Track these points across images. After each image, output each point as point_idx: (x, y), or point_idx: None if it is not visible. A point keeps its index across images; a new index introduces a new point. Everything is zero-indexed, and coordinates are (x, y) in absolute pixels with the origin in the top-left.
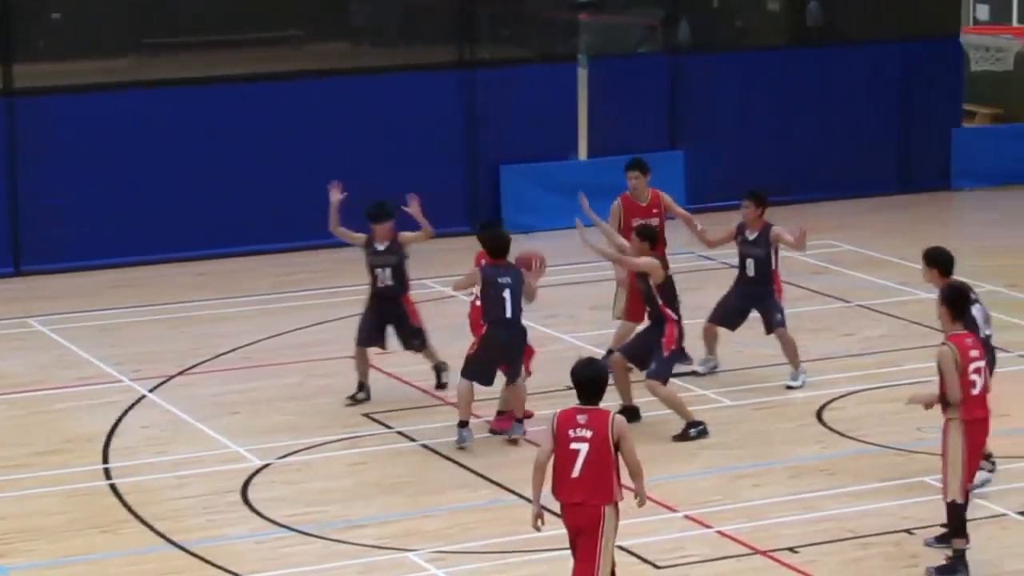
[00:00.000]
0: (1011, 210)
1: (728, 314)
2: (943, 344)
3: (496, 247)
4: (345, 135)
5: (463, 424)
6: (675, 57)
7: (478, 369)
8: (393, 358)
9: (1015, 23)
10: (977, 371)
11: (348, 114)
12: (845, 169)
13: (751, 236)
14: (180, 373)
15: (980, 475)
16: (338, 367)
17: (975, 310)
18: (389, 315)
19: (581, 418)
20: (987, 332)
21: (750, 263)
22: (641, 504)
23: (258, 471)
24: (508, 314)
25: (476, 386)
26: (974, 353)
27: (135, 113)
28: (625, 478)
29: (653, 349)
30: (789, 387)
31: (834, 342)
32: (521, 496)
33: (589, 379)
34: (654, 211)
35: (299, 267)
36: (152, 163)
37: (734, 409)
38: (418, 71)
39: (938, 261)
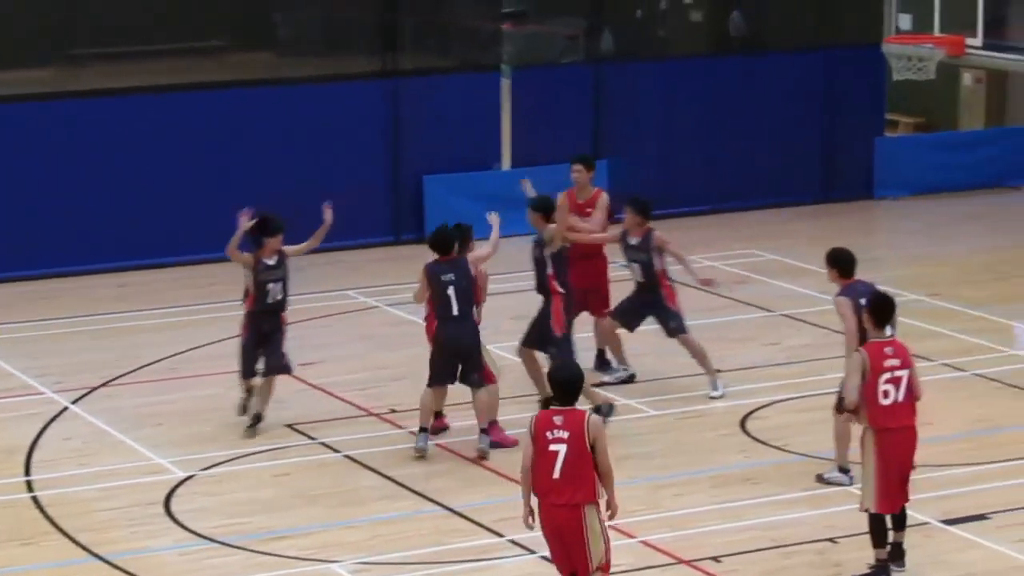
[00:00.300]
0: (933, 219)
1: (624, 310)
2: (857, 349)
3: (437, 244)
4: (268, 145)
5: (422, 430)
6: (598, 67)
7: (437, 372)
8: (317, 369)
9: (937, 32)
10: (892, 381)
11: (271, 124)
12: (768, 178)
13: (633, 241)
14: (103, 385)
15: (835, 475)
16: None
17: None
18: (267, 334)
19: (558, 419)
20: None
21: (636, 268)
22: (612, 515)
23: (181, 483)
24: (455, 311)
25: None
26: (891, 363)
27: (57, 123)
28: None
29: (545, 330)
30: (711, 397)
31: (757, 351)
32: (443, 507)
33: (565, 380)
34: (587, 210)
35: (221, 278)
36: (74, 174)
37: (657, 419)
38: (341, 81)
39: (838, 261)
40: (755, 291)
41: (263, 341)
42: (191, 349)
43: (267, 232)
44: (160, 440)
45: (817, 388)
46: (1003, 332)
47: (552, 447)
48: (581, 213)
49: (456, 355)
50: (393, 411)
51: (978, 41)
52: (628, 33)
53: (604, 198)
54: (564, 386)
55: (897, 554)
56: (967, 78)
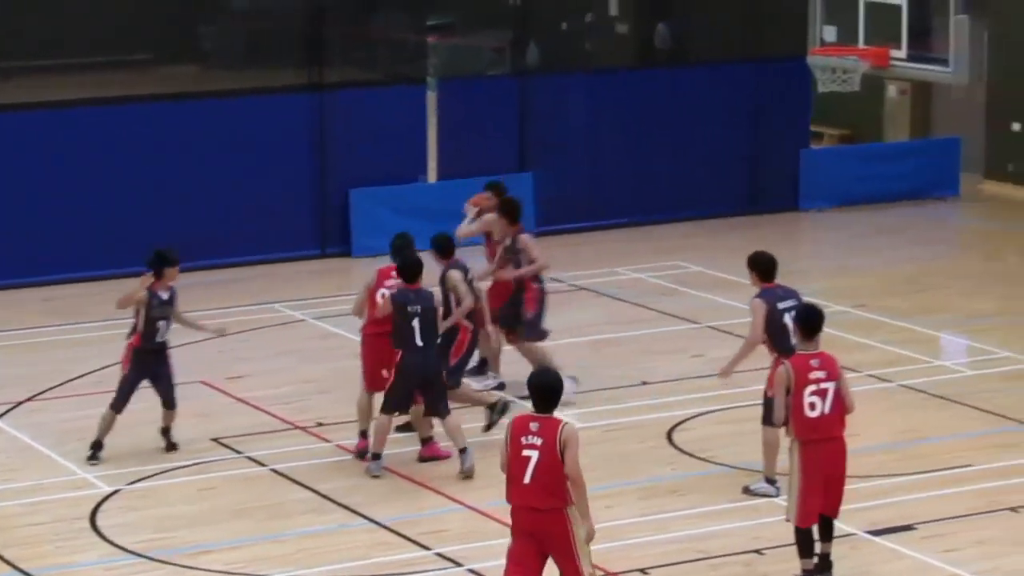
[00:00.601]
0: (858, 231)
1: (502, 315)
2: (782, 363)
3: (408, 272)
4: (194, 158)
5: (376, 456)
6: (524, 79)
7: (395, 399)
8: (243, 382)
9: (861, 44)
10: (818, 393)
11: (197, 137)
12: (694, 190)
13: (506, 243)
14: (29, 399)
15: (761, 486)
16: (188, 392)
17: (788, 319)
18: (156, 373)
19: (534, 426)
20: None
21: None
22: (589, 537)
23: (107, 497)
24: (418, 341)
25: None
26: (816, 375)
27: None
28: None
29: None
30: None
31: (684, 363)
32: (370, 520)
33: (543, 386)
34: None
35: None
36: None
37: (584, 431)
38: (267, 94)
39: (758, 265)
40: (681, 303)
41: (152, 379)
42: (116, 363)
43: (167, 263)
44: (85, 455)
45: (743, 400)
46: (928, 343)
47: (525, 452)
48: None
49: (418, 384)
50: (320, 424)
51: (902, 53)
52: (554, 45)
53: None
54: (542, 392)
55: (824, 565)
56: (892, 90)
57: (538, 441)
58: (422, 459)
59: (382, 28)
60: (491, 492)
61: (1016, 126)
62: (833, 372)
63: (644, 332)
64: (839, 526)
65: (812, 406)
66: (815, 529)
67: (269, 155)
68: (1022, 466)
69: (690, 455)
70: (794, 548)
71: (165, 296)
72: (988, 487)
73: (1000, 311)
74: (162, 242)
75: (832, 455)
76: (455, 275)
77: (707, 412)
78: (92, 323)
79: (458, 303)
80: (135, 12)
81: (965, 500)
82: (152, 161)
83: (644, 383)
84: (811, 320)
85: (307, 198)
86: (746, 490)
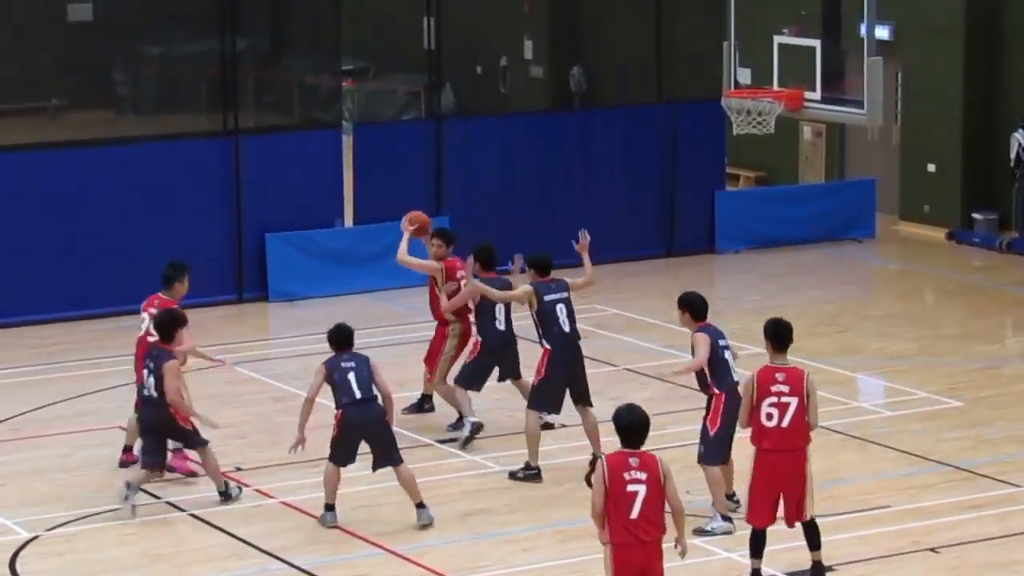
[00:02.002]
0: (774, 272)
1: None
2: (751, 373)
3: (339, 340)
4: (108, 205)
5: (329, 507)
6: (439, 123)
7: (339, 453)
8: None
9: (776, 86)
10: (777, 406)
11: (110, 184)
12: (610, 232)
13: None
14: None
15: (720, 524)
16: (105, 438)
17: (728, 355)
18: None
19: (633, 461)
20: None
21: None
22: (683, 554)
23: (26, 544)
24: (358, 395)
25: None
26: (779, 388)
27: None
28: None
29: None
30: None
31: (601, 406)
32: (290, 564)
33: (635, 424)
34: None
35: (61, 338)
36: None
37: (502, 474)
38: (181, 139)
39: (691, 305)
40: (598, 345)
41: None
42: (33, 410)
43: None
44: (3, 501)
45: (661, 442)
46: (845, 384)
47: (630, 488)
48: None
49: (363, 436)
50: (238, 469)
51: (816, 95)
52: (469, 89)
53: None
54: (630, 430)
55: (817, 572)
56: (807, 132)
57: (642, 475)
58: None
59: (296, 73)
60: (412, 536)
61: (931, 167)
62: (797, 388)
63: None
64: (765, 569)
65: (769, 416)
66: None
67: (183, 200)
68: (942, 506)
69: None
70: None
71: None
72: (908, 528)
73: (917, 352)
74: (77, 288)
75: (785, 466)
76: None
77: None
78: (4, 369)
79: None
80: (48, 57)
81: (885, 541)
82: (66, 207)
83: (563, 426)
84: (781, 333)
85: (222, 243)
86: (700, 531)
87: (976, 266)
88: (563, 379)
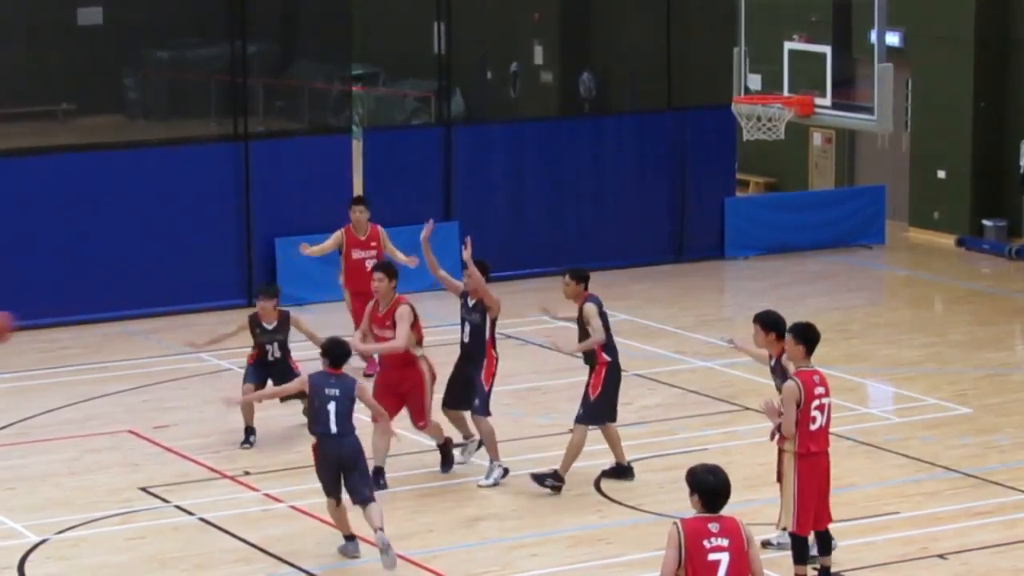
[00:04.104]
0: (783, 279)
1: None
2: (789, 379)
3: (330, 354)
4: (118, 209)
5: (348, 538)
6: (449, 129)
7: (326, 485)
8: (171, 431)
9: (786, 92)
10: (819, 408)
11: (121, 188)
12: (619, 239)
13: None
14: None
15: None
16: (113, 442)
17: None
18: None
19: (713, 527)
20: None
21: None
22: None
23: (35, 547)
24: (333, 429)
25: None
26: (819, 390)
27: None
28: None
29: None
30: (479, 485)
31: None
32: (298, 568)
33: (714, 489)
34: (372, 244)
35: (70, 342)
36: None
37: (511, 479)
38: (191, 144)
39: (778, 325)
40: None
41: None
42: (40, 414)
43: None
44: (12, 504)
45: (670, 448)
46: (855, 391)
47: (711, 556)
48: (366, 248)
49: (339, 469)
50: (247, 473)
51: (827, 101)
52: (479, 95)
53: (383, 232)
54: (712, 494)
55: None
56: (817, 138)
57: (724, 542)
58: None
59: (306, 78)
60: (421, 540)
61: (941, 174)
62: (828, 389)
63: (570, 380)
64: (769, 573)
65: (813, 420)
66: (814, 545)
67: (193, 205)
68: (949, 513)
69: (617, 503)
70: None
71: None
72: (916, 534)
73: (926, 359)
74: (85, 293)
75: (825, 467)
76: (590, 308)
77: (634, 460)
78: (12, 373)
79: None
80: (57, 62)
81: (893, 547)
82: (75, 212)
83: (571, 431)
84: (812, 337)
85: (232, 248)
86: (766, 544)
87: (985, 273)
88: (616, 390)
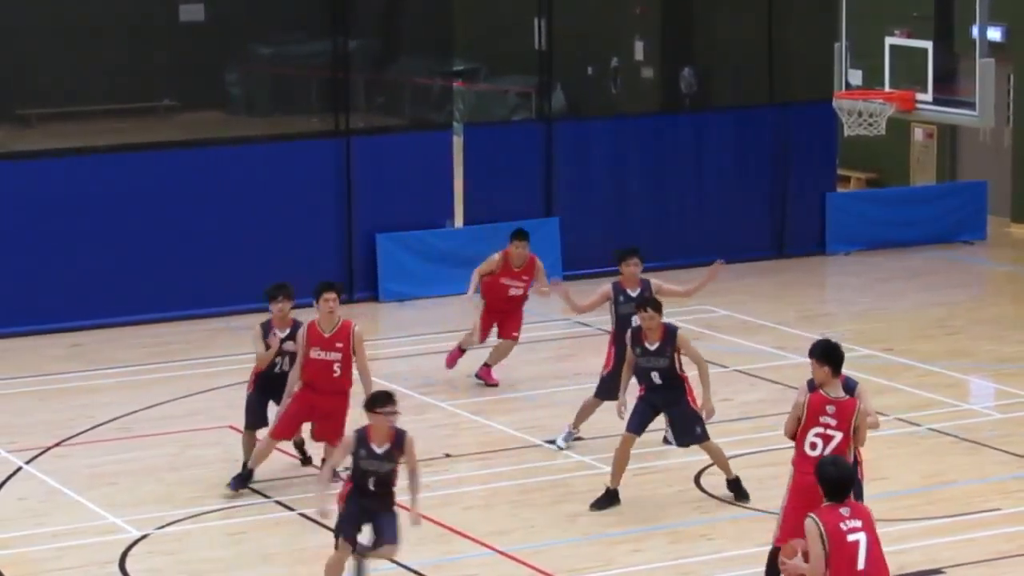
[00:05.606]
0: (885, 274)
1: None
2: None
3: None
4: (220, 205)
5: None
6: (549, 124)
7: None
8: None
9: (887, 88)
10: (821, 436)
11: (223, 184)
12: (720, 234)
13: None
14: (56, 444)
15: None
16: (216, 437)
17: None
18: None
19: (845, 511)
20: None
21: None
22: None
23: (136, 542)
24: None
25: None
26: (827, 420)
27: (5, 184)
28: None
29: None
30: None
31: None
32: (399, 564)
33: (837, 479)
34: (524, 277)
35: (173, 337)
36: (23, 234)
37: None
38: (293, 140)
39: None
40: (709, 346)
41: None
42: (143, 409)
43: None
44: (114, 499)
45: (771, 444)
46: (956, 387)
47: (851, 538)
48: (518, 279)
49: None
50: (347, 468)
51: (928, 96)
52: (579, 90)
53: (539, 263)
54: (837, 484)
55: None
56: (918, 133)
57: (858, 524)
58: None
59: (407, 73)
60: (522, 536)
61: None
62: (844, 423)
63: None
64: None
65: (813, 446)
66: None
67: (295, 201)
68: None
69: (718, 499)
70: None
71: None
72: (1016, 531)
73: None
74: (188, 288)
75: (819, 496)
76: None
77: (736, 456)
78: (116, 368)
79: None
80: (160, 58)
81: (994, 544)
82: (178, 207)
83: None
84: (838, 356)
85: (333, 243)
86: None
87: None
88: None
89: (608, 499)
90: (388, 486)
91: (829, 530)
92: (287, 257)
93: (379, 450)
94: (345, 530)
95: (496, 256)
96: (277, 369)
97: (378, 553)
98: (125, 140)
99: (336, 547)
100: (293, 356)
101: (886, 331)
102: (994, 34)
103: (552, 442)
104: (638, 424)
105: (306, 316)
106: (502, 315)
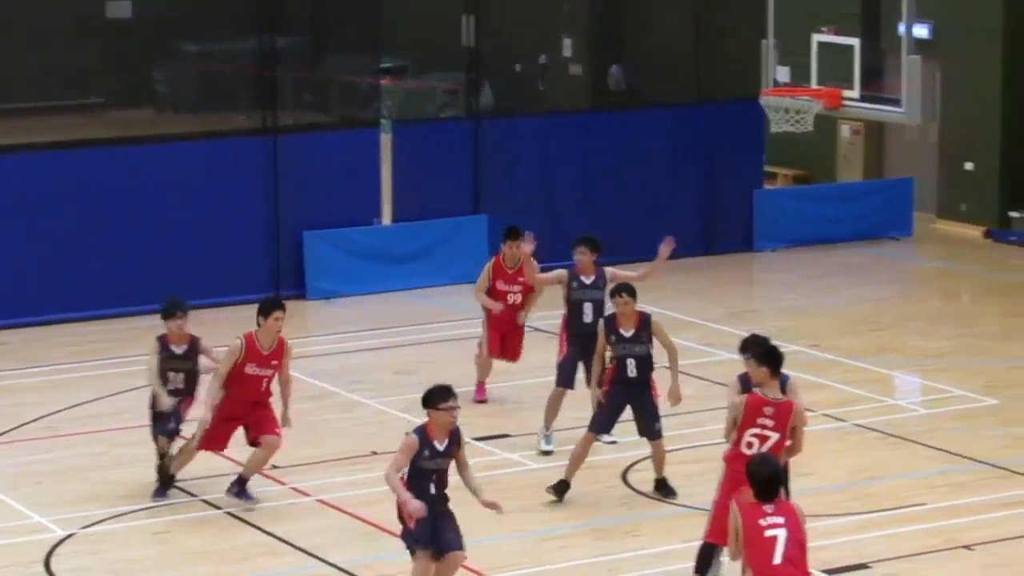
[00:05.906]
0: (812, 271)
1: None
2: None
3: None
4: (147, 202)
5: None
6: (478, 121)
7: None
8: (195, 426)
9: (814, 85)
10: (757, 436)
11: (150, 181)
12: (648, 231)
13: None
14: None
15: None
16: (141, 436)
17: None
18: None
19: (768, 507)
20: None
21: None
22: None
23: (61, 541)
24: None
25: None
26: (763, 421)
27: None
28: None
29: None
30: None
31: None
32: (325, 562)
33: (766, 477)
34: (519, 279)
35: (99, 336)
36: None
37: (539, 472)
38: (220, 138)
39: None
40: None
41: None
42: (69, 408)
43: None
44: (40, 499)
45: (698, 440)
46: (883, 383)
47: (768, 533)
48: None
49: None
50: (274, 467)
51: (855, 93)
52: (508, 88)
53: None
54: (766, 482)
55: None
56: (845, 130)
57: (780, 520)
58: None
59: (335, 71)
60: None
61: (969, 166)
62: (782, 424)
63: None
64: None
65: (749, 445)
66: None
67: (222, 198)
68: (976, 504)
69: (645, 495)
70: None
71: (178, 350)
72: (942, 525)
73: (954, 351)
74: (115, 287)
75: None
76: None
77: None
78: (42, 367)
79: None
80: (88, 56)
81: (920, 539)
82: (105, 205)
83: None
84: (778, 357)
85: (261, 241)
86: None
87: (1013, 264)
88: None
89: (562, 487)
90: (446, 485)
91: (746, 523)
92: (214, 254)
93: (441, 447)
94: (422, 540)
95: (485, 268)
96: (170, 387)
97: (445, 562)
98: (52, 138)
99: (415, 558)
100: (190, 373)
101: (813, 327)
102: (921, 31)
103: (548, 452)
104: (605, 424)
105: (224, 316)
106: (505, 328)
